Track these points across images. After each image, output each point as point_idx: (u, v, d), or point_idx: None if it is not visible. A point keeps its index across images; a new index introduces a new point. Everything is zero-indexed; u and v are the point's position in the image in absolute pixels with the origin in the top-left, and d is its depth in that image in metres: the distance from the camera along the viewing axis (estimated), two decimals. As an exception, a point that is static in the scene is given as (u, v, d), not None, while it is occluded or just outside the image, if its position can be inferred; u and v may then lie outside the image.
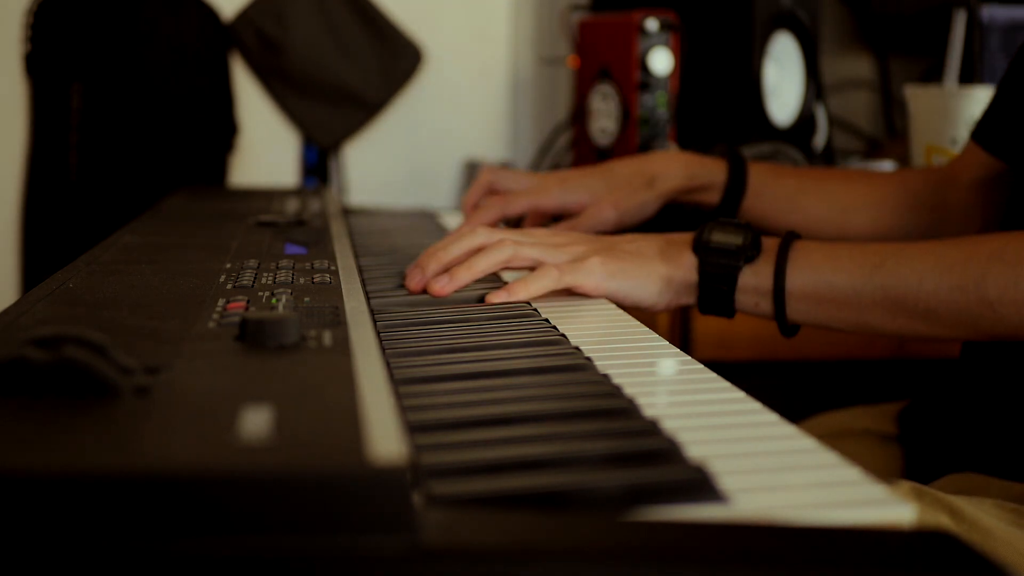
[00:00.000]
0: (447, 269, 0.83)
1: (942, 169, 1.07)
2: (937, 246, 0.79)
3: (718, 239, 0.83)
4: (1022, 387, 0.85)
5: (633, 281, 0.84)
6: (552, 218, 1.12)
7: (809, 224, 1.05)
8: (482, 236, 0.85)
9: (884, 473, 0.97)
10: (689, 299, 0.85)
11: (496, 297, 0.81)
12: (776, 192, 1.06)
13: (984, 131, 0.98)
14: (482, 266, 0.83)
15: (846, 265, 0.80)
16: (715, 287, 0.83)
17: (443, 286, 0.82)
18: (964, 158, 1.02)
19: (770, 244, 0.83)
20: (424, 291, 0.83)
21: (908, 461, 0.97)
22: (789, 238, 0.82)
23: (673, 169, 1.06)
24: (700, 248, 0.83)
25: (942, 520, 0.74)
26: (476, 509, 0.42)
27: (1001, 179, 0.98)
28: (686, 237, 0.85)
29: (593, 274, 0.83)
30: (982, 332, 0.78)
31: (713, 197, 1.07)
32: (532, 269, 0.84)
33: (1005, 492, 0.81)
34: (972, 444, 0.88)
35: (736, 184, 1.05)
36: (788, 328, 0.83)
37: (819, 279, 0.81)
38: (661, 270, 0.84)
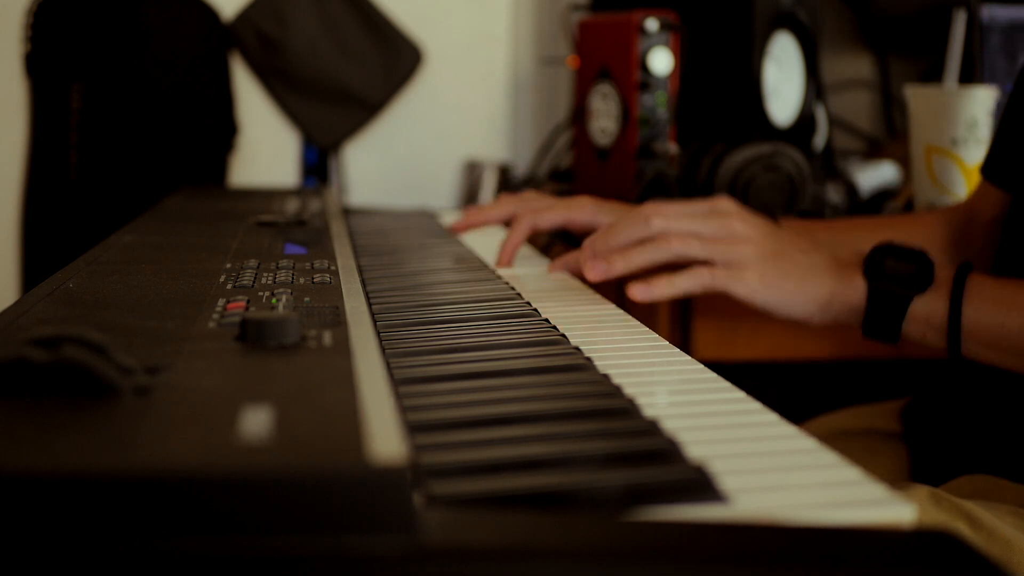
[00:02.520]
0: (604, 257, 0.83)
1: (961, 208, 1.06)
2: None
3: (892, 266, 0.82)
4: None
5: (791, 297, 0.83)
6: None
7: None
8: (658, 225, 0.83)
9: (891, 472, 0.97)
10: (851, 320, 0.84)
11: (638, 292, 0.81)
12: None
13: (992, 166, 0.98)
14: (640, 261, 0.82)
15: (1020, 308, 0.79)
16: (884, 314, 0.82)
17: (598, 272, 0.82)
18: (979, 196, 1.02)
19: (943, 276, 0.82)
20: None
21: (914, 458, 0.97)
22: (964, 271, 0.81)
23: None
24: (872, 272, 0.82)
25: (960, 528, 0.74)
26: (476, 509, 0.42)
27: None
28: (857, 258, 0.84)
29: (748, 285, 0.82)
30: None
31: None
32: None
33: (1021, 497, 0.81)
34: (979, 441, 0.88)
35: None
36: (961, 362, 0.82)
37: (991, 320, 0.80)
38: (826, 289, 0.83)
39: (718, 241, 0.83)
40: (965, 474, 0.86)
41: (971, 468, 0.86)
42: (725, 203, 0.88)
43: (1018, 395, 0.85)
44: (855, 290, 0.82)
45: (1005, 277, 0.83)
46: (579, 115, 1.46)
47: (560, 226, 1.03)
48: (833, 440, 0.84)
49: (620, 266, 0.82)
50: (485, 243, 1.06)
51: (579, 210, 1.02)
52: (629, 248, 0.83)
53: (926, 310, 0.81)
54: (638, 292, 0.80)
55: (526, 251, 1.12)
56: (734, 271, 0.81)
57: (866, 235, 1.05)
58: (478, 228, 1.05)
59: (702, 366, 0.65)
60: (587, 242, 0.84)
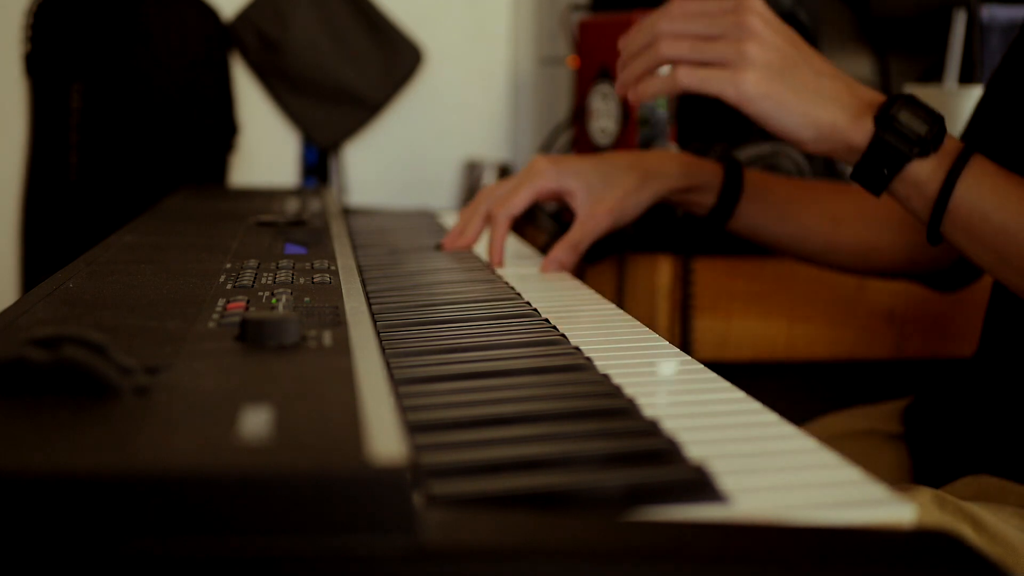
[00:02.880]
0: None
1: None
2: None
3: (905, 119, 0.78)
4: None
5: (789, 114, 0.79)
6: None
7: (800, 233, 1.04)
8: (659, 27, 0.82)
9: (892, 473, 0.97)
10: (847, 157, 0.81)
11: (626, 91, 0.82)
12: (769, 199, 1.04)
13: (970, 140, 0.97)
14: (636, 71, 0.83)
15: (1011, 204, 0.76)
16: (879, 164, 0.79)
17: (643, 89, 0.83)
18: None
19: (950, 146, 0.79)
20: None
21: (915, 459, 0.97)
22: (968, 150, 0.78)
23: (670, 168, 1.04)
24: (882, 120, 0.78)
25: (964, 531, 0.73)
26: (476, 509, 0.42)
27: None
28: (874, 99, 0.80)
29: (742, 88, 0.78)
30: None
31: (708, 199, 1.05)
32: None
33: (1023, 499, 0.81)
34: (981, 442, 0.88)
35: (732, 187, 1.04)
36: (938, 237, 0.80)
37: (979, 207, 0.77)
38: (829, 118, 0.79)
39: (719, 40, 0.79)
40: (967, 475, 0.86)
41: (973, 469, 0.86)
42: (538, 160, 0.88)
43: (1020, 395, 0.85)
44: (860, 131, 0.79)
45: (1012, 173, 0.80)
46: (579, 115, 1.46)
47: (532, 203, 1.03)
48: (834, 441, 0.83)
49: (625, 75, 0.82)
50: (485, 243, 1.06)
51: (541, 179, 1.01)
52: (630, 60, 0.83)
53: (920, 176, 0.78)
54: (619, 90, 0.82)
55: (526, 251, 1.12)
56: (729, 71, 0.78)
57: (827, 197, 1.06)
58: (466, 249, 1.05)
59: (702, 366, 0.66)
60: (621, 63, 0.84)
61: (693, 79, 0.79)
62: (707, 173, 1.05)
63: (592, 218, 1.01)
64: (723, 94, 0.79)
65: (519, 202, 1.00)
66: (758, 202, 1.05)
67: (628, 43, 0.84)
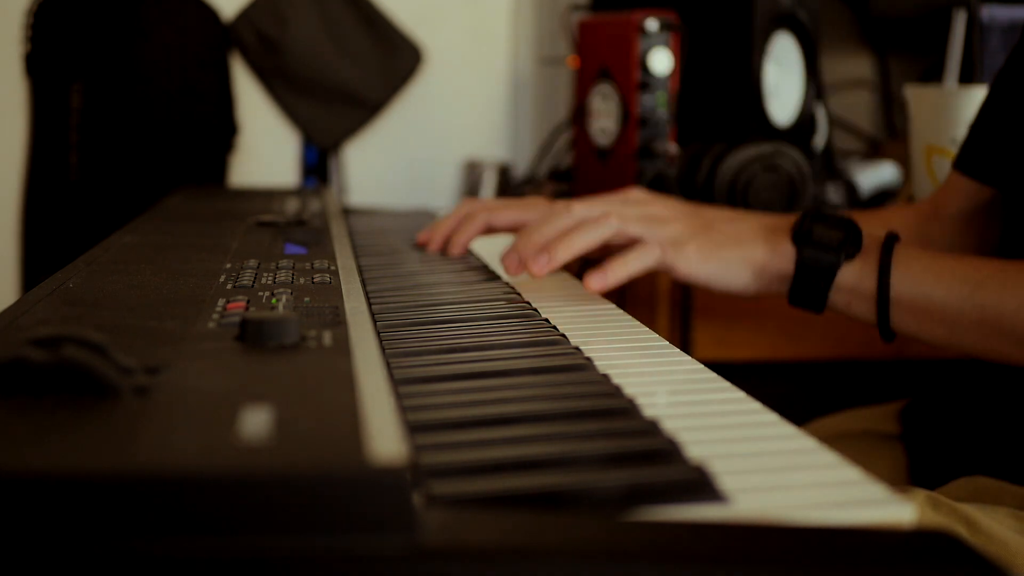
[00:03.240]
0: (543, 249, 0.82)
1: (924, 204, 1.05)
2: None
3: (820, 231, 0.81)
4: None
5: (727, 267, 0.82)
6: None
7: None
8: (580, 212, 0.82)
9: (889, 474, 0.97)
10: (781, 288, 0.83)
11: (595, 282, 0.80)
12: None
13: (968, 159, 0.96)
14: (583, 242, 0.81)
15: (947, 279, 0.78)
16: (811, 281, 0.81)
17: (542, 265, 0.80)
18: (946, 190, 1.01)
19: (871, 243, 0.81)
20: (521, 272, 0.82)
21: (912, 459, 0.97)
22: (891, 240, 0.80)
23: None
24: (800, 238, 0.81)
25: (958, 531, 0.74)
26: (476, 509, 0.42)
27: (987, 208, 0.96)
28: (786, 224, 0.83)
29: (689, 260, 0.81)
30: None
31: None
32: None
33: (1020, 500, 0.81)
34: (978, 442, 0.88)
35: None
36: (890, 334, 0.81)
37: (918, 290, 0.79)
38: (758, 256, 0.82)
39: (652, 220, 0.82)
40: (963, 476, 0.86)
41: (969, 470, 0.86)
42: (636, 192, 0.88)
43: (1017, 397, 0.85)
44: (784, 257, 0.82)
45: (933, 251, 0.82)
46: (579, 115, 1.46)
47: (514, 224, 0.99)
48: (831, 442, 0.83)
49: (562, 253, 0.80)
50: (485, 243, 1.06)
51: (532, 210, 0.98)
52: (564, 235, 0.81)
53: (853, 279, 0.80)
54: (595, 281, 0.79)
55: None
56: (677, 248, 0.81)
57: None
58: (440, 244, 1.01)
59: (702, 366, 0.66)
60: (515, 245, 0.83)
61: (656, 254, 0.81)
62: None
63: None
64: (679, 268, 0.82)
65: (504, 216, 0.97)
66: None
67: (548, 227, 0.83)
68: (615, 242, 0.82)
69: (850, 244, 0.80)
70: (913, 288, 0.79)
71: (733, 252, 0.82)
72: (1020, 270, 0.78)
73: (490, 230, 0.99)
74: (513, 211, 0.99)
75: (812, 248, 0.80)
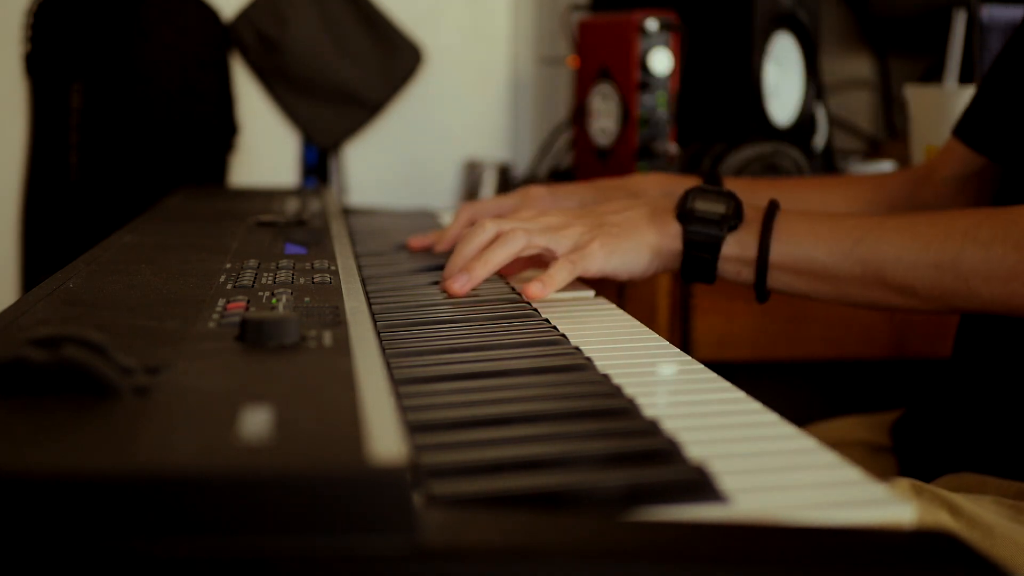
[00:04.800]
0: (464, 270, 0.84)
1: (918, 168, 1.08)
2: (914, 223, 0.81)
3: (701, 208, 0.84)
4: (1014, 386, 0.85)
5: (628, 256, 0.85)
6: None
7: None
8: (492, 228, 0.85)
9: (878, 476, 0.97)
10: (675, 265, 0.86)
11: (534, 290, 0.81)
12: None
13: (967, 127, 0.99)
14: (497, 259, 0.83)
15: (826, 239, 0.82)
16: (698, 255, 0.84)
17: (462, 284, 0.82)
18: (943, 155, 1.03)
19: (753, 214, 0.84)
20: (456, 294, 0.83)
21: (903, 471, 0.97)
22: (772, 208, 0.84)
23: (650, 186, 1.06)
24: (684, 216, 0.84)
25: (941, 517, 0.74)
26: (476, 509, 0.42)
27: (979, 175, 0.99)
28: (670, 204, 0.86)
29: (596, 258, 0.83)
30: (956, 306, 0.80)
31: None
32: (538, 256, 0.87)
33: (1003, 489, 0.81)
34: (966, 446, 0.88)
35: None
36: (765, 295, 0.85)
37: (800, 252, 0.82)
38: (650, 239, 0.85)
39: (554, 230, 0.85)
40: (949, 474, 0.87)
41: (957, 470, 0.87)
42: (535, 190, 0.91)
43: (1011, 399, 0.85)
44: (673, 236, 0.85)
45: (816, 213, 0.85)
46: (579, 115, 1.46)
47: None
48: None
49: (480, 270, 0.83)
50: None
51: (538, 202, 1.03)
52: (480, 255, 0.84)
53: (738, 249, 0.83)
54: (535, 290, 0.81)
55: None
56: (582, 252, 0.83)
57: (811, 194, 1.07)
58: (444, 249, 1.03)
59: (702, 366, 0.66)
60: (445, 271, 0.86)
61: (571, 265, 0.83)
62: (686, 188, 1.04)
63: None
64: (590, 270, 0.84)
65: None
66: None
67: (466, 246, 0.86)
68: (526, 252, 0.86)
69: (732, 216, 0.83)
70: (796, 251, 0.82)
71: (630, 241, 0.84)
72: (897, 224, 0.81)
73: None
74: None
75: (696, 223, 0.84)
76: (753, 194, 1.05)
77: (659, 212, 0.86)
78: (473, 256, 0.84)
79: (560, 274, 0.82)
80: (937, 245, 0.78)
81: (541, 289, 0.82)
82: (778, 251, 0.83)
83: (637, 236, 0.85)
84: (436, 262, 0.99)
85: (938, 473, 0.88)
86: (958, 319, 0.94)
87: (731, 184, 1.06)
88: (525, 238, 0.84)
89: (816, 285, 0.84)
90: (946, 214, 0.81)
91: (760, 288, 0.84)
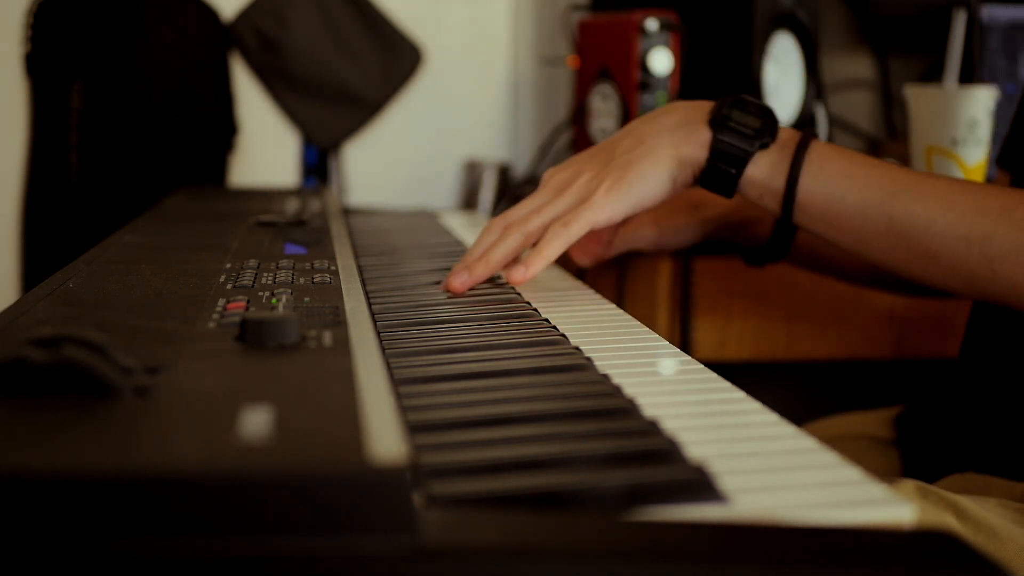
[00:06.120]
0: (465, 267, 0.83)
1: None
2: (951, 189, 0.77)
3: (738, 117, 0.79)
4: (1021, 386, 0.85)
5: (643, 185, 0.80)
6: None
7: (863, 263, 0.99)
8: (498, 227, 0.84)
9: (883, 476, 0.97)
10: (692, 172, 0.82)
11: (515, 274, 0.80)
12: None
13: (1006, 155, 0.97)
14: (497, 258, 0.82)
15: (860, 185, 0.78)
16: (723, 168, 0.80)
17: (462, 282, 0.81)
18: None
19: (787, 137, 0.80)
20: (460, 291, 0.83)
21: (906, 464, 0.97)
22: (807, 137, 0.80)
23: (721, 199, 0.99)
24: (716, 122, 0.80)
25: (947, 519, 0.74)
26: (476, 509, 0.42)
27: None
28: (702, 112, 0.82)
29: (603, 208, 0.80)
30: (976, 288, 0.76)
31: (763, 230, 1.00)
32: None
33: (1008, 492, 0.81)
34: (971, 446, 0.88)
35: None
36: (788, 229, 0.82)
37: (830, 192, 0.78)
38: (673, 150, 0.81)
39: (556, 193, 0.82)
40: (953, 473, 0.87)
41: (962, 469, 0.87)
42: (546, 173, 0.87)
43: (1017, 399, 0.85)
44: (699, 144, 0.80)
45: (852, 151, 0.81)
46: (579, 115, 1.46)
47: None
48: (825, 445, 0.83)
49: (481, 269, 0.81)
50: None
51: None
52: (484, 253, 0.83)
53: (766, 173, 0.79)
54: (516, 274, 0.79)
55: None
56: (585, 207, 0.80)
57: None
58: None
59: (702, 366, 0.66)
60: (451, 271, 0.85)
61: (562, 232, 0.81)
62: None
63: (638, 224, 0.99)
64: (596, 221, 0.80)
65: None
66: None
67: (474, 249, 0.85)
68: (531, 240, 0.83)
69: (766, 133, 0.79)
70: (825, 189, 0.78)
71: (645, 165, 0.80)
72: (934, 186, 0.77)
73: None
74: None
75: (728, 132, 0.79)
76: None
77: (691, 120, 0.82)
78: (477, 256, 0.83)
79: (549, 248, 0.80)
80: (971, 219, 0.74)
81: (523, 273, 0.79)
82: (807, 185, 0.78)
83: (654, 155, 0.81)
84: (436, 263, 0.99)
85: (942, 470, 0.88)
86: (965, 319, 0.93)
87: None
88: (520, 236, 0.82)
89: (838, 230, 0.79)
90: (985, 188, 0.77)
91: (784, 223, 0.80)
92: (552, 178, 0.86)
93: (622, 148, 0.82)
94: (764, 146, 0.79)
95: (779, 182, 0.79)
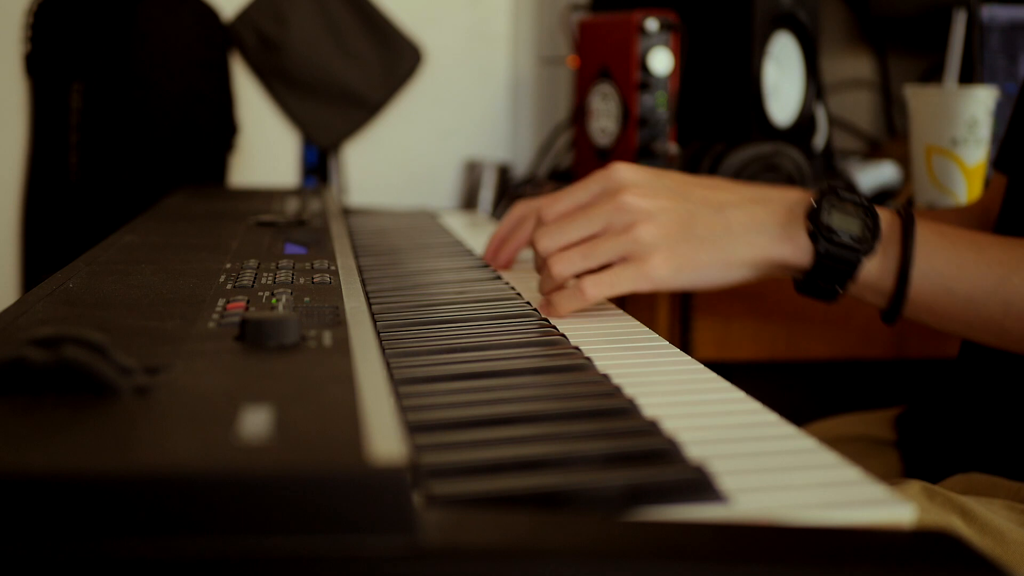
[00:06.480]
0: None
1: (971, 207, 1.04)
2: None
3: (839, 224, 0.72)
4: (1021, 386, 0.85)
5: (709, 271, 0.73)
6: None
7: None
8: (543, 245, 0.75)
9: (884, 477, 0.97)
10: (781, 274, 0.76)
11: (541, 311, 0.74)
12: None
13: (1002, 157, 0.97)
14: (544, 291, 0.76)
15: (971, 273, 0.73)
16: (828, 277, 0.73)
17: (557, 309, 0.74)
18: (991, 192, 1.00)
19: (888, 229, 0.74)
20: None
21: (907, 465, 0.97)
22: (909, 225, 0.73)
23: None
24: (820, 232, 0.72)
25: (953, 521, 0.74)
26: (476, 509, 0.42)
27: None
28: (790, 201, 0.74)
29: (656, 275, 0.73)
30: None
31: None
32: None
33: (1015, 493, 0.81)
34: (973, 446, 0.88)
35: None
36: (894, 321, 0.76)
37: (940, 284, 0.73)
38: (756, 250, 0.73)
39: (608, 235, 0.73)
40: (957, 473, 0.87)
41: (963, 469, 0.87)
42: (618, 173, 0.76)
43: (1012, 396, 0.85)
44: (794, 249, 0.73)
45: (950, 228, 0.76)
46: (579, 115, 1.46)
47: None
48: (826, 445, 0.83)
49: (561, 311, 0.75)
50: (486, 243, 1.06)
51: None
52: (549, 297, 0.76)
53: (875, 274, 0.74)
54: (541, 310, 0.74)
55: (525, 251, 1.12)
56: (636, 264, 0.72)
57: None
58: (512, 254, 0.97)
59: (702, 366, 0.65)
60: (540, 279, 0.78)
61: (602, 287, 0.73)
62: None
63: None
64: (638, 289, 0.72)
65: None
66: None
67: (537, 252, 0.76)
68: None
69: (873, 237, 0.73)
70: (934, 282, 0.73)
71: (718, 253, 0.73)
72: None
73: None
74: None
75: (832, 245, 0.72)
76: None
77: (788, 221, 0.74)
78: (546, 291, 0.76)
79: (592, 290, 0.73)
80: None
81: (546, 310, 0.74)
82: (915, 281, 0.73)
83: (734, 245, 0.73)
84: (436, 263, 0.99)
85: (943, 471, 0.88)
86: None
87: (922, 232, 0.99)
88: (561, 270, 0.74)
89: (948, 320, 0.75)
90: None
91: (892, 315, 0.75)
92: (620, 181, 0.75)
93: (703, 219, 0.74)
94: (870, 251, 0.73)
95: (888, 282, 0.74)
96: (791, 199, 0.75)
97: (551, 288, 0.76)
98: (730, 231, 0.73)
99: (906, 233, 0.73)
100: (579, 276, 0.75)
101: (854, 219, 0.73)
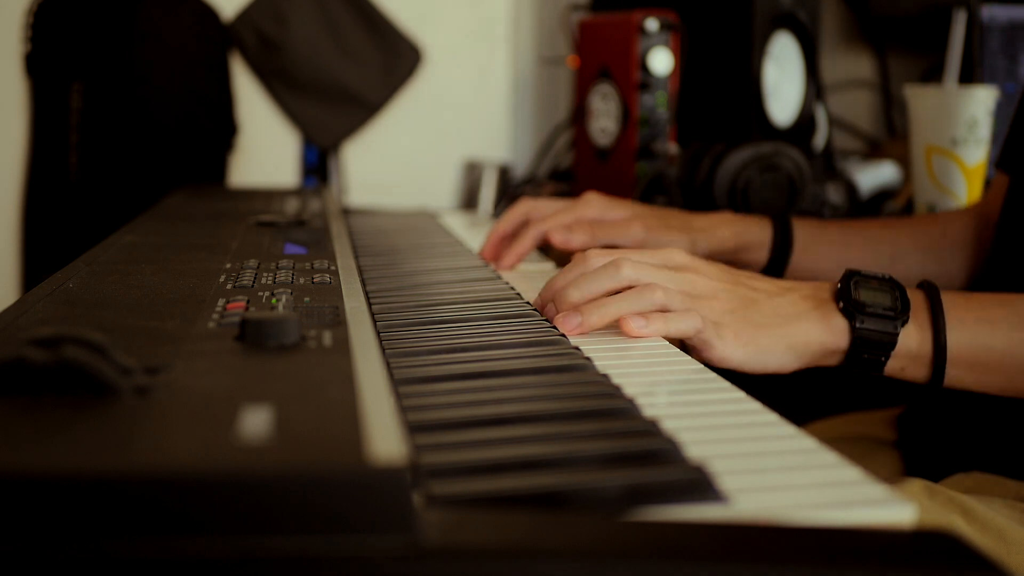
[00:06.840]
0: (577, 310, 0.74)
1: (975, 208, 1.05)
2: None
3: (869, 298, 0.75)
4: None
5: (766, 351, 0.74)
6: None
7: None
8: (628, 272, 0.75)
9: (884, 477, 0.97)
10: (829, 361, 0.76)
11: (632, 326, 0.72)
12: (821, 246, 1.02)
13: (1005, 156, 0.97)
14: (617, 313, 0.73)
15: (1002, 326, 0.74)
16: (868, 353, 0.75)
17: (572, 328, 0.73)
18: (993, 192, 1.01)
19: (918, 302, 0.76)
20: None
21: (908, 465, 0.97)
22: (934, 294, 0.76)
23: (720, 230, 1.00)
24: (853, 311, 0.74)
25: (955, 520, 0.74)
26: (476, 509, 0.42)
27: None
28: (826, 295, 0.76)
29: (726, 345, 0.73)
30: None
31: (760, 256, 1.02)
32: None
33: (1015, 492, 0.81)
34: (974, 445, 0.88)
35: (783, 242, 1.01)
36: (939, 390, 0.77)
37: (975, 342, 0.74)
38: (802, 335, 0.75)
39: (694, 296, 0.75)
40: (959, 472, 0.87)
41: (965, 468, 0.87)
42: (679, 255, 0.78)
43: (1014, 402, 0.85)
44: (833, 331, 0.75)
45: (973, 292, 0.78)
46: (579, 115, 1.46)
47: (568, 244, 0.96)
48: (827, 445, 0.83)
49: (595, 319, 0.73)
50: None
51: (587, 209, 0.99)
52: (602, 299, 0.74)
53: (911, 344, 0.75)
54: (634, 326, 0.72)
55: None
56: (715, 327, 0.73)
57: (879, 233, 1.04)
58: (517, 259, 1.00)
59: (702, 366, 0.66)
60: (554, 290, 0.77)
61: (697, 325, 0.73)
62: (756, 231, 1.02)
63: (627, 225, 0.98)
64: (712, 353, 0.73)
65: (561, 220, 0.97)
66: (810, 252, 1.02)
67: (589, 284, 0.75)
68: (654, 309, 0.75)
69: (904, 309, 0.75)
70: (969, 341, 0.74)
71: (772, 334, 0.74)
72: None
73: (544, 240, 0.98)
74: (569, 215, 0.98)
75: (868, 319, 0.74)
76: (823, 233, 1.03)
77: (823, 302, 0.75)
78: (592, 297, 0.75)
79: (682, 324, 0.72)
80: None
81: (642, 327, 0.72)
82: (952, 342, 0.74)
83: (786, 328, 0.74)
84: (436, 263, 0.99)
85: (943, 471, 0.88)
86: None
87: (800, 224, 1.03)
88: (663, 300, 0.73)
89: (988, 377, 0.75)
90: None
91: (936, 384, 0.76)
92: (680, 263, 0.77)
93: (763, 301, 0.76)
94: (905, 322, 0.74)
95: (926, 348, 0.75)
96: (815, 286, 0.78)
97: (620, 312, 0.74)
98: (784, 316, 0.75)
99: (932, 300, 0.75)
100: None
101: (882, 292, 0.75)
